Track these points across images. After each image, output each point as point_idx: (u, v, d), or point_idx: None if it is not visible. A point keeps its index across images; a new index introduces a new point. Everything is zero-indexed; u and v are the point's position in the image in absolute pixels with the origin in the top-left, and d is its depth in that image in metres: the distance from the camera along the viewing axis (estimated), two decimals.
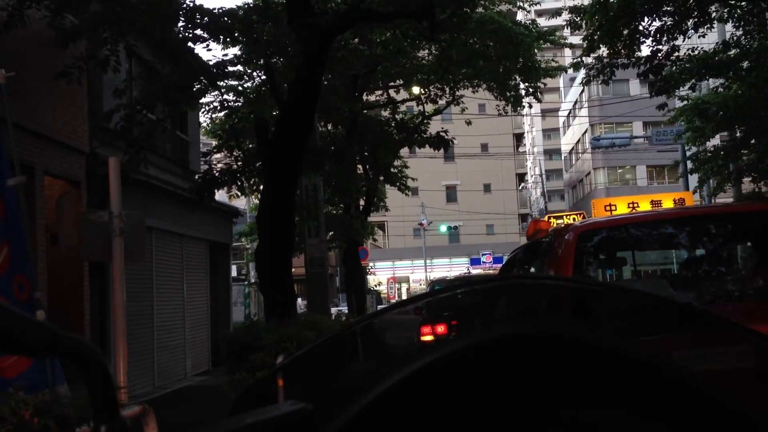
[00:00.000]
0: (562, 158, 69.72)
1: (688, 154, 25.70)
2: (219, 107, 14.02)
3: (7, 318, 0.94)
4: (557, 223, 10.26)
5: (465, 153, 53.26)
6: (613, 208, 14.70)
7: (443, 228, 51.53)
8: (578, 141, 59.79)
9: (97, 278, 12.26)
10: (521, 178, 58.55)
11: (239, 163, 11.23)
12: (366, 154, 21.42)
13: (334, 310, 32.66)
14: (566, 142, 65.35)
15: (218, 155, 15.93)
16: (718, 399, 1.06)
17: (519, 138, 57.59)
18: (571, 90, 59.62)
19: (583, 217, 13.31)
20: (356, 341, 1.69)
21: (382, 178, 23.19)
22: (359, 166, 22.58)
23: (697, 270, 4.89)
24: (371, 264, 53.53)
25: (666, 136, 25.55)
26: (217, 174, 12.40)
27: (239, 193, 12.22)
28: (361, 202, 23.26)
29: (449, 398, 1.09)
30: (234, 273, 54.58)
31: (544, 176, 65.46)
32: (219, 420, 1.14)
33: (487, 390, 1.09)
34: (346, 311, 21.78)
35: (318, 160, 11.78)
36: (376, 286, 28.60)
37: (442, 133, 23.83)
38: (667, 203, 14.45)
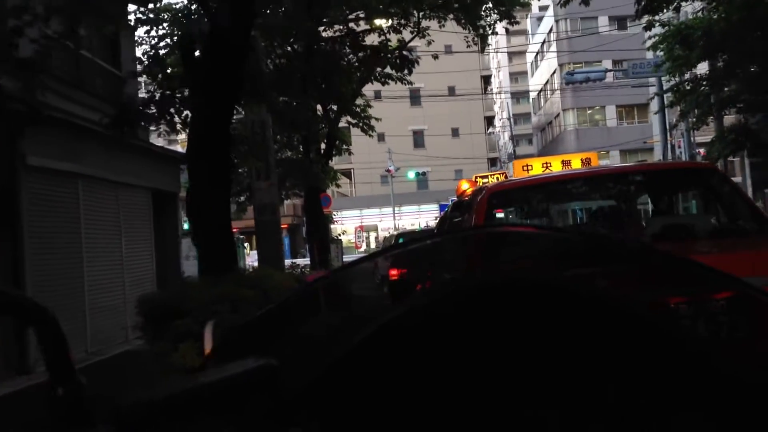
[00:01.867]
0: (530, 101, 68.13)
1: (665, 87, 24.20)
2: (138, 23, 12.07)
3: None
4: (483, 183, 11.15)
5: (432, 95, 51.42)
6: (529, 168, 15.45)
7: (411, 174, 49.93)
8: (547, 82, 58.15)
9: (7, 232, 10.49)
10: (490, 121, 56.86)
11: (164, 91, 9.48)
12: (323, 85, 19.61)
13: (300, 261, 31.13)
14: (534, 83, 63.70)
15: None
16: (673, 333, 1.07)
17: (487, 80, 55.74)
18: (539, 26, 57.73)
19: (505, 177, 15.81)
20: (326, 294, 1.53)
21: (343, 118, 21.39)
22: (318, 106, 20.76)
23: (593, 222, 5.76)
24: (336, 213, 51.86)
25: (643, 68, 23.96)
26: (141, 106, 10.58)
27: (169, 131, 10.51)
28: (323, 146, 21.47)
29: (427, 348, 1.08)
30: (186, 225, 52.98)
31: (511, 120, 63.95)
32: (178, 378, 1.09)
33: (463, 337, 1.07)
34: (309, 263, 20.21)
35: (259, 88, 10.06)
36: (340, 235, 27.16)
37: (406, 52, 22.12)
38: (576, 163, 15.28)
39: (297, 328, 1.53)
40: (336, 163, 54.71)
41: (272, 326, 1.48)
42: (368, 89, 22.28)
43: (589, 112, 53.77)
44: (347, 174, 55.05)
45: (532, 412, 1.05)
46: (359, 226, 51.25)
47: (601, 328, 1.06)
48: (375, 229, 52.75)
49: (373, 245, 49.18)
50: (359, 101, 21.27)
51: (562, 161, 16.34)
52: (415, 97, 53.55)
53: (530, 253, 1.35)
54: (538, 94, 62.17)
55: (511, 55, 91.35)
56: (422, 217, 49.96)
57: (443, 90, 52.18)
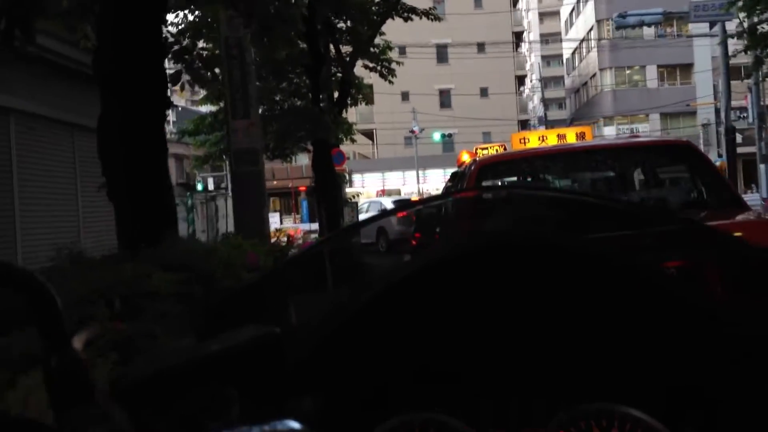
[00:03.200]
0: (564, 61, 64.20)
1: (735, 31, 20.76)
2: None
3: None
4: (482, 154, 11.19)
5: (459, 54, 47.91)
6: (526, 140, 15.06)
7: (436, 136, 46.63)
8: (583, 39, 54.25)
9: None
10: (521, 80, 53.23)
11: None
12: (335, 21, 16.50)
13: (303, 226, 28.06)
14: (568, 44, 59.80)
15: None
16: (681, 293, 1.07)
17: (518, 36, 52.03)
18: None
19: (504, 149, 15.06)
20: (330, 257, 1.50)
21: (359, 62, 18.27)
22: (331, 47, 17.68)
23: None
24: (349, 172, 48.46)
25: (707, 10, 20.52)
26: None
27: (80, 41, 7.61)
28: (336, 96, 18.42)
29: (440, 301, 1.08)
30: (175, 180, 49.47)
31: (542, 82, 60.30)
32: (180, 347, 1.15)
33: (474, 294, 1.08)
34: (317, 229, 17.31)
35: None
36: (352, 198, 24.47)
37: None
38: (571, 137, 14.43)
39: (293, 294, 1.40)
40: (358, 122, 51.76)
41: (267, 293, 1.37)
42: (391, 36, 19.08)
43: (627, 72, 49.98)
44: (369, 135, 51.91)
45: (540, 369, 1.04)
46: (381, 189, 48.27)
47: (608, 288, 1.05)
48: (398, 193, 49.67)
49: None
50: (378, 40, 18.09)
51: (558, 135, 15.60)
52: (441, 54, 50.08)
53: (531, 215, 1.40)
54: (573, 53, 58.28)
55: (543, 15, 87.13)
56: (448, 180, 47.00)
57: (472, 46, 48.63)
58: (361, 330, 1.09)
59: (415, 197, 28.15)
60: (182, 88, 7.85)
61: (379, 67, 18.38)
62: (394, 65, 18.57)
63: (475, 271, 1.09)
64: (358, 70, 19.97)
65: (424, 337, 1.07)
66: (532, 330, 1.08)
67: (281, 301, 1.40)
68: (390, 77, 18.31)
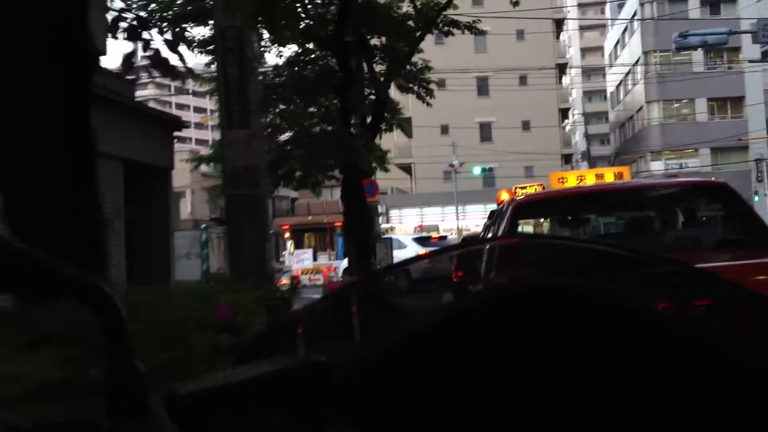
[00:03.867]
0: (608, 95, 62.01)
1: None
2: None
3: (27, 258, 0.92)
4: (522, 193, 11.42)
5: (501, 86, 46.12)
6: (564, 180, 16.19)
7: (477, 170, 44.61)
8: (629, 71, 52.08)
9: None
10: (564, 114, 51.06)
11: None
12: (368, 37, 14.80)
13: (338, 263, 26.09)
14: (612, 78, 57.68)
15: None
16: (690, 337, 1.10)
17: (562, 69, 50.04)
18: (621, 12, 51.73)
19: (543, 188, 15.23)
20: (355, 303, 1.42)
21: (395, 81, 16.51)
22: (365, 65, 15.98)
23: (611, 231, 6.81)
24: (386, 207, 46.44)
25: None
26: None
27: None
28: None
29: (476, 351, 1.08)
30: (208, 215, 47.68)
31: (584, 116, 58.09)
32: (230, 369, 1.14)
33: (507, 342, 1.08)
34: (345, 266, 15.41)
35: None
36: (388, 231, 22.78)
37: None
38: (609, 177, 16.12)
39: (328, 333, 1.40)
40: (396, 156, 50.07)
41: (301, 331, 1.36)
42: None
43: (675, 105, 47.62)
44: (407, 169, 50.17)
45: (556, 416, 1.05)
46: (419, 225, 46.33)
47: (618, 333, 1.07)
48: (436, 229, 47.63)
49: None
50: (416, 59, 16.33)
51: (596, 175, 16.64)
52: (482, 87, 48.33)
53: (544, 262, 1.34)
54: (618, 87, 56.10)
55: (584, 50, 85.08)
56: (487, 217, 44.81)
57: (513, 78, 46.80)
58: (398, 366, 1.07)
59: (435, 234, 26.34)
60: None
61: (416, 88, 16.57)
62: (432, 86, 16.75)
63: (498, 322, 1.09)
64: (396, 95, 18.25)
65: (446, 390, 1.05)
66: (555, 384, 1.05)
67: (326, 335, 1.37)
68: (428, 98, 16.47)
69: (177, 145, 17.43)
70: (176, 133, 14.77)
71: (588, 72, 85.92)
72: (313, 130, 16.39)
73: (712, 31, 19.32)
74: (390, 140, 49.92)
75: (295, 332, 1.36)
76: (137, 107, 12.66)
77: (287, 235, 38.38)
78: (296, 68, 16.51)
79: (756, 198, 44.24)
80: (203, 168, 17.34)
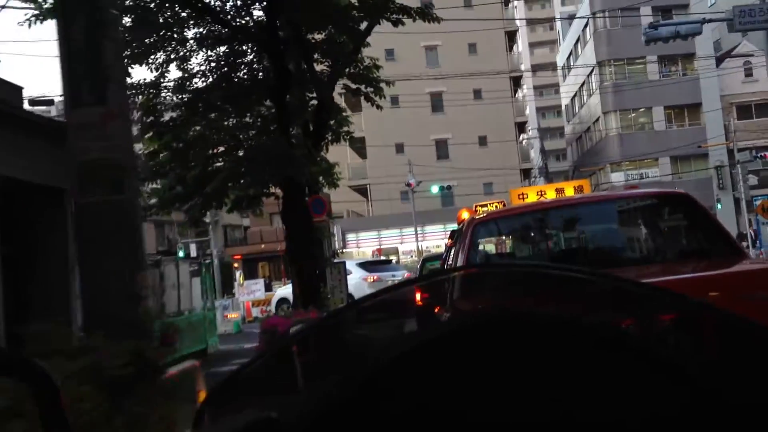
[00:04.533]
0: (563, 108, 60.78)
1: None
2: None
3: None
4: (482, 211, 10.61)
5: (455, 101, 44.28)
6: (525, 196, 14.88)
7: (435, 189, 42.60)
8: (583, 83, 50.77)
9: None
10: (521, 128, 49.37)
11: None
12: (306, 34, 12.54)
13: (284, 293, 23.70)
14: (566, 90, 56.45)
15: None
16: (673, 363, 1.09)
17: (517, 82, 48.40)
18: (572, 24, 50.52)
19: (504, 205, 13.26)
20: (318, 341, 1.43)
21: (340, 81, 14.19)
22: (303, 64, 13.68)
23: (573, 246, 6.16)
24: (337, 230, 43.86)
25: (754, 16, 16.63)
26: None
27: None
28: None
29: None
30: (155, 248, 44.92)
31: (540, 132, 56.69)
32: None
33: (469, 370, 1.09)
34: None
35: None
36: (337, 255, 20.42)
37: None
38: (569, 191, 14.82)
39: (291, 375, 1.37)
40: (350, 178, 47.69)
41: (265, 375, 1.37)
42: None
43: (632, 115, 46.29)
44: (363, 191, 47.89)
45: None
46: (377, 249, 44.05)
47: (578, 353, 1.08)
48: (395, 252, 45.35)
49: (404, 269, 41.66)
50: (364, 55, 14.07)
51: (556, 189, 16.12)
52: (436, 103, 46.44)
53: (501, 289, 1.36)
54: (572, 99, 54.80)
55: (535, 67, 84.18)
56: (448, 237, 42.68)
57: (468, 94, 45.02)
58: (352, 417, 1.06)
59: (385, 257, 24.41)
60: None
61: (364, 88, 14.30)
62: (382, 87, 14.42)
63: (460, 350, 1.10)
64: (344, 103, 15.97)
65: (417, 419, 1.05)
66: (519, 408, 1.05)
67: (278, 386, 1.35)
68: (378, 98, 14.19)
69: None
70: None
71: (540, 88, 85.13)
72: (249, 142, 13.97)
73: (686, 21, 17.49)
74: (344, 161, 47.65)
75: (242, 389, 1.31)
76: (18, 113, 10.16)
77: (236, 265, 35.64)
78: (225, 69, 14.14)
79: (719, 206, 42.96)
80: None
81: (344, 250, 44.88)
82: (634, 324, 1.24)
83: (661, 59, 45.85)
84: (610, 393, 1.02)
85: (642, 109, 46.08)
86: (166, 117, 13.56)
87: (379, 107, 14.40)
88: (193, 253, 44.14)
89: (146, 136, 13.54)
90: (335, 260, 17.21)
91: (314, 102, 14.29)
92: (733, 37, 48.74)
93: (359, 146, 46.85)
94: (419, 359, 1.07)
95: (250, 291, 28.82)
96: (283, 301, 23.47)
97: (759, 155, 41.88)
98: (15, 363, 1.05)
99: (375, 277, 21.22)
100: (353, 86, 14.47)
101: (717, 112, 44.96)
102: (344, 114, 15.82)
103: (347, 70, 14.06)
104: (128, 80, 13.11)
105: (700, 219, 5.15)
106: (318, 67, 14.25)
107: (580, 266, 3.03)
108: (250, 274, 41.36)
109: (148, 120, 13.30)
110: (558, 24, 62.39)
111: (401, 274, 22.60)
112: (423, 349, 1.09)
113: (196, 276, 17.66)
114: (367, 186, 46.48)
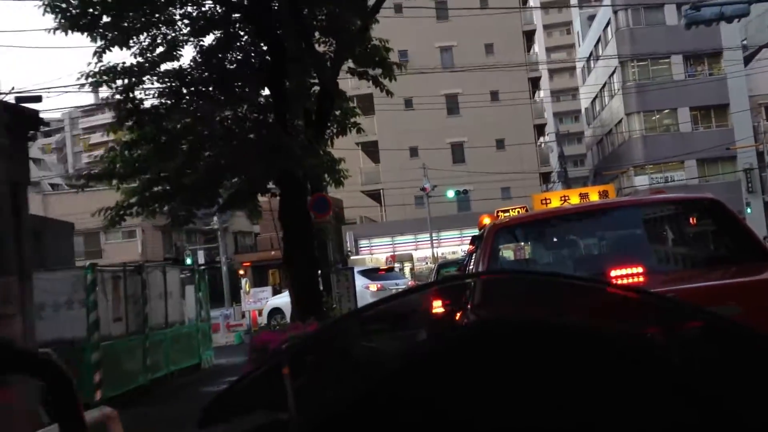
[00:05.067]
0: (582, 112, 58.73)
1: None
2: None
3: None
4: (504, 217, 10.71)
5: (471, 103, 42.41)
6: (548, 201, 14.35)
7: (450, 193, 40.77)
8: (603, 86, 48.75)
9: None
10: (540, 130, 47.41)
11: None
12: (304, 9, 10.79)
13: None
14: (586, 92, 54.44)
15: None
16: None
17: (535, 83, 46.48)
18: (592, 23, 48.57)
19: (526, 211, 12.39)
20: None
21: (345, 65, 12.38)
22: (302, 43, 11.88)
23: (596, 253, 5.92)
24: (351, 237, 41.92)
25: None
26: None
27: None
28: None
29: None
30: (162, 255, 43.29)
31: (557, 137, 54.69)
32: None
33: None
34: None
35: None
36: (348, 253, 18.64)
37: None
38: (593, 196, 14.05)
39: (281, 399, 1.28)
40: (363, 184, 45.91)
41: (251, 400, 1.32)
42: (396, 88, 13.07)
43: (657, 116, 44.21)
44: (376, 196, 46.11)
45: None
46: (391, 255, 42.20)
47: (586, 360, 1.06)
48: (410, 258, 43.51)
49: (408, 277, 39.78)
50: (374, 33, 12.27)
51: (580, 194, 15.61)
52: (452, 105, 44.59)
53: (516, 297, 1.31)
54: (593, 102, 52.78)
55: (552, 72, 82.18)
56: (464, 242, 40.57)
57: (485, 95, 43.16)
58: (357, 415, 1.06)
59: (383, 267, 22.84)
60: None
61: (372, 71, 12.48)
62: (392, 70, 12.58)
63: (470, 356, 1.08)
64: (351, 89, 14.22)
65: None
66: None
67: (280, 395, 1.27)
68: (390, 80, 12.34)
69: None
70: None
71: (557, 93, 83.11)
72: (242, 133, 12.15)
73: (729, 0, 15.56)
74: (356, 165, 45.89)
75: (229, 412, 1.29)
76: None
77: (242, 272, 33.93)
78: (219, 55, 12.41)
79: (748, 210, 40.81)
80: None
81: (357, 256, 43.14)
82: (653, 334, 1.21)
83: (687, 58, 43.83)
84: (628, 403, 0.98)
85: (666, 111, 43.98)
86: (148, 104, 11.79)
87: (389, 93, 12.55)
88: (201, 260, 42.52)
89: (125, 126, 11.79)
90: (340, 266, 15.46)
91: (316, 88, 12.50)
92: (761, 36, 46.71)
93: (372, 150, 45.11)
94: (432, 366, 1.05)
95: (256, 299, 27.04)
96: (276, 311, 21.72)
97: None
98: (28, 358, 1.08)
99: (378, 286, 19.74)
100: (359, 69, 12.67)
101: (745, 113, 42.83)
102: (351, 104, 14.00)
103: (354, 52, 12.26)
104: (102, 64, 11.47)
105: (729, 224, 5.03)
106: (321, 49, 12.48)
107: (606, 273, 4.12)
108: (260, 281, 39.73)
109: (126, 107, 11.54)
110: (576, 25, 60.40)
111: (405, 283, 21.21)
112: (436, 357, 1.06)
113: (190, 284, 15.92)
114: (381, 191, 44.68)
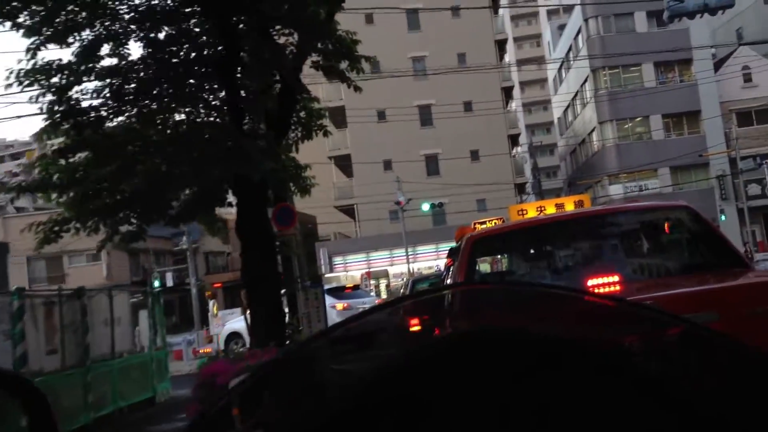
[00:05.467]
0: (555, 121, 57.98)
1: None
2: None
3: None
4: (481, 228, 10.05)
5: (445, 114, 41.30)
6: (524, 212, 14.11)
7: (425, 206, 39.55)
8: (575, 95, 47.98)
9: None
10: (514, 140, 46.38)
11: None
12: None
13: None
14: (558, 101, 53.70)
15: None
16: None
17: (508, 93, 45.49)
18: (563, 34, 47.81)
19: (503, 222, 12.50)
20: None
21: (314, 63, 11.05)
22: (260, 35, 10.51)
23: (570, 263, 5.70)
24: (324, 252, 40.37)
25: None
26: None
27: None
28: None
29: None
30: (129, 278, 41.71)
31: (530, 148, 53.90)
32: None
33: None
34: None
35: None
36: (317, 274, 16.94)
37: None
38: (569, 206, 13.32)
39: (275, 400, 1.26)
40: (336, 199, 44.48)
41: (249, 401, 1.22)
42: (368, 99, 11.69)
43: (629, 124, 43.42)
44: (349, 212, 44.72)
45: None
46: (366, 272, 40.86)
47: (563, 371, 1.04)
48: (386, 275, 42.13)
49: (384, 294, 38.35)
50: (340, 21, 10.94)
51: (556, 204, 15.27)
52: (425, 116, 43.45)
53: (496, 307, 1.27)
54: (565, 111, 52.01)
55: (523, 84, 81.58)
56: (441, 257, 39.30)
57: (458, 106, 42.11)
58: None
59: (349, 284, 21.62)
60: None
61: (341, 65, 11.14)
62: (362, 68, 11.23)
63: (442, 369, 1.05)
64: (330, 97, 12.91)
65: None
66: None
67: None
68: (356, 74, 11.02)
69: None
70: None
71: (528, 106, 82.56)
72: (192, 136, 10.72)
73: None
74: (329, 180, 44.45)
75: None
76: None
77: (209, 293, 32.28)
78: (169, 50, 10.99)
79: (722, 217, 40.06)
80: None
81: (331, 274, 41.62)
82: (631, 343, 1.17)
83: (657, 65, 43.19)
84: (607, 413, 0.98)
85: (639, 118, 43.26)
86: (85, 104, 10.31)
87: (357, 88, 11.23)
88: (170, 282, 40.75)
89: (60, 129, 10.31)
90: (309, 283, 14.05)
91: (279, 86, 11.13)
92: (730, 43, 46.29)
93: (345, 164, 43.78)
94: (409, 380, 1.02)
95: (225, 322, 25.43)
96: (234, 336, 20.08)
97: (765, 161, 38.99)
98: (4, 376, 1.07)
99: (345, 305, 18.54)
100: (324, 64, 11.33)
101: (717, 120, 42.22)
102: (317, 104, 12.66)
103: (318, 44, 10.93)
104: (37, 61, 10.03)
105: (703, 231, 5.01)
106: (281, 41, 11.13)
107: (583, 282, 4.34)
108: (232, 302, 38.05)
109: (60, 109, 10.07)
110: (547, 34, 59.86)
111: (372, 302, 20.06)
112: (413, 371, 1.04)
113: (143, 308, 14.36)
114: (354, 206, 43.29)
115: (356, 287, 22.32)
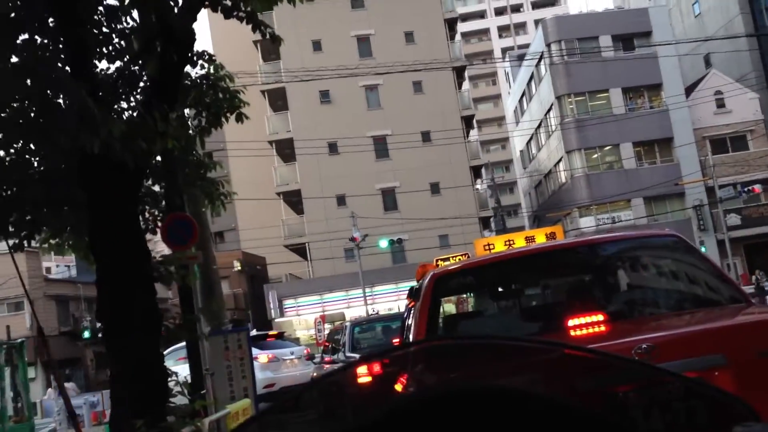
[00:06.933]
0: (517, 154, 55.23)
1: None
2: None
3: None
4: (444, 264, 8.92)
5: (402, 145, 38.05)
6: (491, 246, 12.50)
7: (383, 243, 36.03)
8: (539, 125, 45.24)
9: None
10: (477, 171, 43.26)
11: None
12: None
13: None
14: (520, 134, 51.04)
15: None
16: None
17: (468, 122, 42.46)
18: (523, 63, 45.24)
19: (467, 257, 10.18)
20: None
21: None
22: None
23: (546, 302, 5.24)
24: (273, 295, 35.65)
25: None
26: None
27: None
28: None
29: None
30: (57, 329, 37.17)
31: (492, 188, 51.00)
32: None
33: None
34: None
35: None
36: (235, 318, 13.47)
37: None
38: (540, 239, 11.14)
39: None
40: (286, 237, 40.55)
41: None
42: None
43: (598, 153, 40.67)
44: (301, 251, 40.85)
45: None
46: (321, 315, 36.84)
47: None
48: (342, 317, 38.14)
49: (308, 342, 34.48)
50: None
51: (526, 237, 12.97)
52: (380, 148, 40.13)
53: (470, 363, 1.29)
54: (528, 144, 49.27)
55: (479, 123, 79.15)
56: (401, 297, 35.60)
57: (416, 136, 38.95)
58: None
59: (272, 332, 18.31)
60: None
61: (238, 12, 7.51)
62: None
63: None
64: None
65: None
66: None
67: None
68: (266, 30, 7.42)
69: None
70: None
71: (486, 144, 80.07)
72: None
73: None
74: (278, 218, 40.69)
75: None
76: None
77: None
78: None
79: (703, 249, 37.23)
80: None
81: (282, 318, 37.58)
82: (590, 394, 1.13)
83: (625, 91, 40.73)
84: None
85: (609, 147, 40.49)
86: None
87: (274, 37, 7.62)
88: None
89: None
90: (231, 327, 10.29)
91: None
92: (695, 72, 44.25)
93: (295, 200, 40.10)
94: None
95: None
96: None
97: (745, 190, 36.40)
98: None
99: (270, 356, 15.13)
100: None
101: (691, 147, 39.68)
102: (223, 70, 9.04)
103: None
104: None
105: (697, 263, 4.42)
106: None
107: (563, 322, 3.69)
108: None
109: None
110: (502, 73, 57.57)
111: (300, 351, 17.23)
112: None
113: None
114: (306, 245, 39.43)
115: (281, 334, 18.88)
